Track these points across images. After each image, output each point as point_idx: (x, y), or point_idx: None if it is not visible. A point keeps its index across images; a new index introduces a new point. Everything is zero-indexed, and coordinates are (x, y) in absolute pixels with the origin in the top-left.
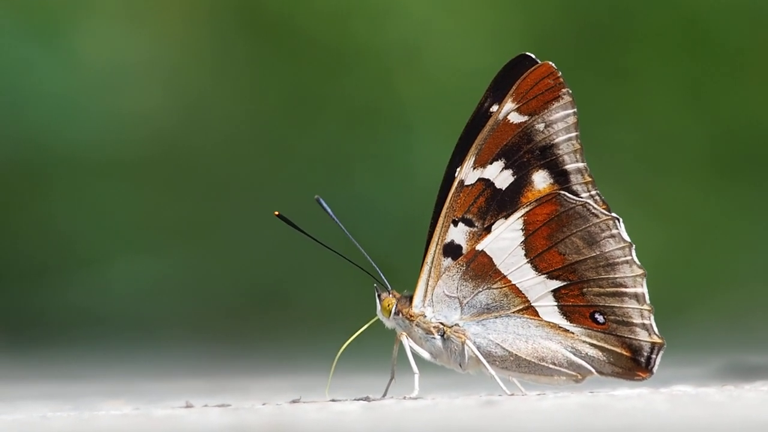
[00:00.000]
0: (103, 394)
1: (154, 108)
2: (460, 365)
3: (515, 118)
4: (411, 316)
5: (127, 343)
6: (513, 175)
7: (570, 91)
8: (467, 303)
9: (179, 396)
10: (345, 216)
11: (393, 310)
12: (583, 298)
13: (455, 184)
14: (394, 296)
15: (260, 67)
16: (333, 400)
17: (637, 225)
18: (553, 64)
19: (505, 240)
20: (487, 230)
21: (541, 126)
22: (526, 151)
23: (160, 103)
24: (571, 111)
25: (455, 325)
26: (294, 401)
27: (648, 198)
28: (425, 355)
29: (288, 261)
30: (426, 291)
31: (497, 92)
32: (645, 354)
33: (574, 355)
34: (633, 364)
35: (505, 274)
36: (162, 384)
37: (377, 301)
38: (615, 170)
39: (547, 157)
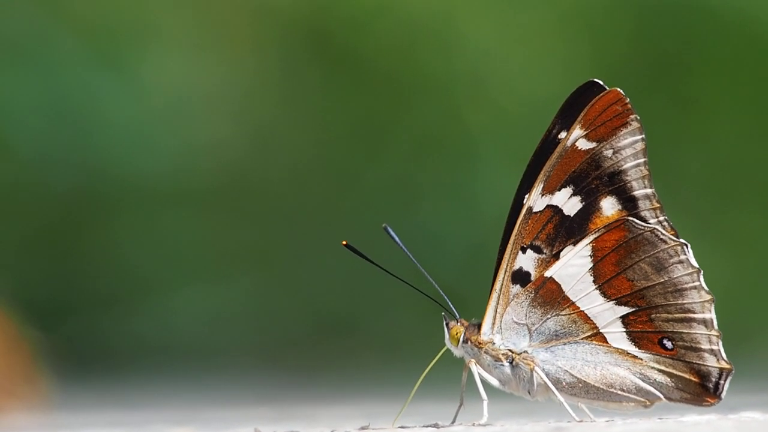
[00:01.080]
0: (170, 421)
1: (222, 137)
2: (529, 392)
3: (583, 144)
4: (479, 343)
5: (194, 371)
6: (581, 202)
7: (638, 118)
8: (536, 330)
9: (247, 423)
10: (412, 245)
11: (461, 339)
12: (651, 324)
13: (523, 210)
14: (462, 324)
15: (328, 96)
16: (402, 427)
17: (703, 253)
18: (622, 91)
19: (573, 267)
20: (556, 257)
21: (609, 152)
22: (594, 178)
23: (227, 132)
24: (639, 137)
25: (524, 352)
26: (363, 428)
27: (715, 227)
28: (494, 382)
29: (355, 289)
30: (495, 318)
31: (565, 119)
32: (713, 380)
33: (643, 381)
34: (701, 390)
35: (573, 300)
36: (229, 412)
37: (445, 329)
38: (682, 199)
39: (616, 184)
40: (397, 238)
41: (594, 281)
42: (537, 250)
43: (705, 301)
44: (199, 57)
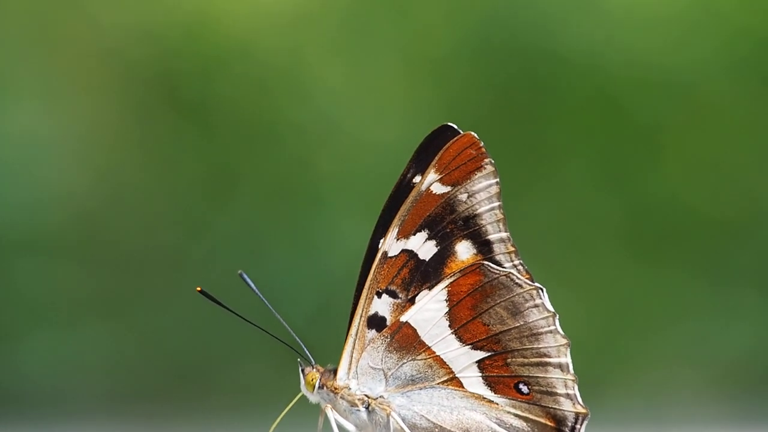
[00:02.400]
0: None
1: (70, 185)
2: None
3: (438, 188)
4: (335, 388)
5: (44, 419)
6: (436, 246)
7: (492, 161)
8: (392, 375)
9: None
10: (264, 292)
11: (317, 384)
12: (507, 368)
13: (379, 255)
14: (318, 370)
15: (180, 143)
16: None
17: (557, 298)
18: (476, 135)
19: (429, 311)
20: (411, 301)
21: (464, 196)
22: (449, 222)
23: (75, 180)
24: (493, 181)
25: (380, 396)
26: None
27: (566, 273)
28: (350, 427)
29: (208, 337)
30: (350, 363)
31: (420, 163)
32: (569, 424)
33: (499, 425)
34: None
35: (429, 345)
36: None
37: (301, 375)
38: (533, 245)
39: (471, 228)
40: (252, 285)
41: (450, 326)
42: (392, 294)
43: (561, 345)
44: (50, 105)
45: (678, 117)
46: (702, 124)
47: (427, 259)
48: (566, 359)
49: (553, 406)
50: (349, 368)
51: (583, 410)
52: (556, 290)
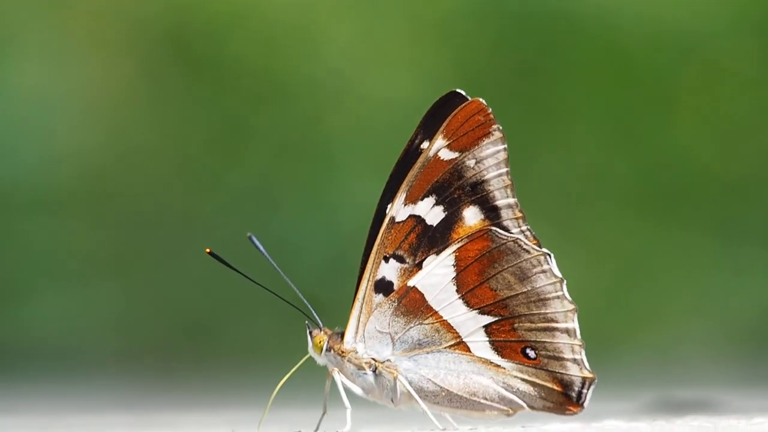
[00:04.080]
0: (30, 428)
1: (84, 143)
2: (392, 400)
3: (446, 154)
4: (342, 352)
5: (54, 376)
6: (444, 212)
7: (500, 128)
8: (399, 339)
9: (111, 430)
10: (272, 252)
11: (324, 347)
12: (514, 333)
13: (386, 220)
14: (326, 333)
15: (190, 101)
16: None
17: (565, 262)
18: (483, 101)
19: (436, 276)
20: (419, 266)
21: (471, 162)
22: (456, 188)
23: (89, 137)
24: (501, 147)
25: (387, 360)
26: None
27: (575, 233)
28: (357, 390)
29: (217, 296)
30: (358, 327)
31: (428, 129)
32: (576, 389)
33: (506, 390)
34: (564, 399)
35: (436, 309)
36: (90, 418)
37: (309, 338)
38: (543, 206)
39: (478, 193)
40: (261, 247)
41: (457, 291)
42: (400, 259)
43: (568, 311)
44: (60, 63)
45: (691, 73)
46: (715, 80)
47: (434, 225)
48: (573, 324)
49: (560, 371)
50: (357, 332)
51: (590, 375)
52: (565, 250)
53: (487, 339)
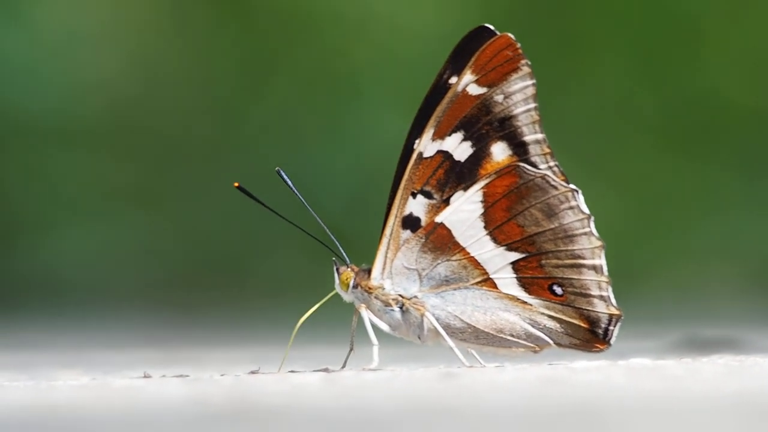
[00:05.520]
0: (57, 364)
1: (111, 75)
2: (419, 337)
3: (474, 90)
4: (370, 288)
5: (80, 311)
6: (472, 147)
7: (529, 63)
8: (426, 275)
9: (135, 366)
10: (300, 185)
11: (351, 284)
12: (541, 270)
13: (414, 156)
14: (353, 269)
15: (216, 34)
16: (292, 371)
17: (592, 198)
18: (512, 36)
19: (464, 212)
20: (446, 202)
21: (500, 98)
22: (484, 123)
23: (116, 70)
24: (530, 82)
25: (414, 297)
26: (252, 372)
27: (602, 169)
28: (384, 327)
29: (244, 231)
30: (385, 263)
31: (456, 64)
32: (603, 326)
33: (533, 327)
34: (591, 336)
35: (464, 246)
36: (116, 354)
37: (335, 274)
38: (569, 141)
39: (506, 129)
40: (289, 182)
41: (485, 227)
42: (427, 195)
43: (595, 248)
44: None
45: (718, 7)
46: (742, 14)
47: (462, 160)
48: (600, 261)
49: (587, 308)
50: (384, 268)
51: (616, 312)
52: (592, 187)
53: (515, 276)
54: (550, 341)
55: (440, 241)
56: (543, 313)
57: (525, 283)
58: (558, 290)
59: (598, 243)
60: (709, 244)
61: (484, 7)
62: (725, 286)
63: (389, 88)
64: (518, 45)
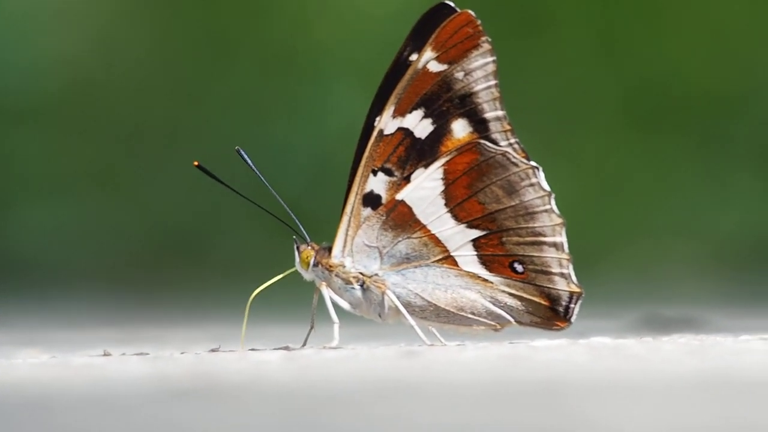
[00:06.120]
0: (16, 343)
1: (68, 53)
2: (380, 315)
3: (435, 66)
4: (330, 266)
5: (38, 290)
6: (433, 124)
7: (489, 40)
8: (387, 253)
9: (94, 345)
10: (261, 162)
11: (312, 262)
12: (502, 247)
13: (375, 133)
14: (313, 248)
15: (176, 14)
16: (253, 350)
17: (551, 175)
18: (473, 13)
19: (424, 189)
20: (407, 180)
21: (460, 74)
22: (445, 100)
23: (74, 51)
24: (490, 59)
25: (375, 275)
26: (213, 350)
27: (563, 147)
28: (345, 305)
29: (203, 209)
30: (345, 241)
31: (417, 41)
32: (563, 303)
33: (494, 304)
34: (551, 314)
35: (424, 223)
36: (76, 333)
37: (296, 253)
38: (530, 120)
39: (467, 106)
40: (249, 161)
41: (445, 204)
42: (388, 172)
43: (555, 225)
44: None
45: None
46: None
47: (423, 138)
48: (561, 238)
49: (548, 285)
50: (344, 246)
51: (577, 289)
52: (552, 165)
53: (475, 253)
54: (511, 319)
55: (401, 219)
56: (504, 291)
57: (486, 261)
58: (519, 268)
59: (559, 220)
60: (669, 223)
61: None
62: (685, 265)
63: (351, 66)
64: (479, 22)
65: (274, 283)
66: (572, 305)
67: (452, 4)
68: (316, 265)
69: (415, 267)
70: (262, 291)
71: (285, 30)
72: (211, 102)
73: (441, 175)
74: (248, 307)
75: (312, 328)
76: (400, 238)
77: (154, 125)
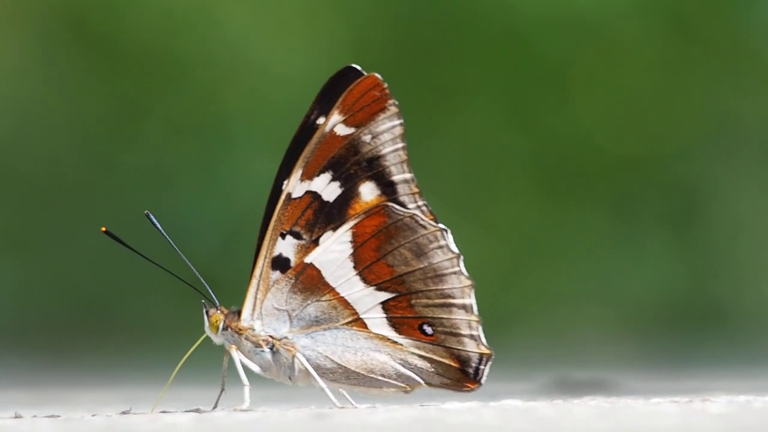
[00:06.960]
0: None
1: None
2: (290, 378)
3: (342, 130)
4: (240, 329)
5: None
6: (340, 188)
7: (396, 103)
8: (296, 316)
9: (5, 407)
10: (169, 230)
11: (221, 326)
12: (411, 309)
13: (283, 196)
14: (222, 312)
15: (86, 80)
16: (163, 412)
17: (462, 239)
18: (379, 76)
19: (333, 252)
20: (316, 243)
21: (367, 137)
22: (353, 163)
23: None
24: (397, 122)
25: (284, 338)
26: (124, 412)
27: (473, 212)
28: (255, 368)
29: (114, 275)
30: (255, 304)
31: (324, 104)
32: (473, 365)
33: (403, 366)
34: (461, 375)
35: (333, 286)
36: None
37: (205, 317)
38: (440, 184)
39: (374, 169)
40: (158, 225)
41: (354, 267)
42: (297, 236)
43: (465, 287)
44: None
45: (587, 55)
46: (611, 62)
47: (331, 201)
48: (470, 300)
49: (457, 347)
50: (254, 309)
51: (487, 351)
52: (462, 229)
53: (385, 315)
54: (421, 381)
55: (310, 282)
56: (413, 353)
57: (395, 323)
58: (428, 330)
59: (468, 282)
60: (581, 287)
61: (355, 53)
62: (597, 329)
63: (260, 132)
64: (385, 85)
65: (191, 352)
66: (482, 367)
67: (359, 67)
68: (225, 328)
69: (325, 330)
70: (181, 364)
71: (196, 97)
72: (122, 168)
73: (349, 238)
74: (170, 380)
75: (223, 390)
76: (309, 301)
77: (64, 190)
